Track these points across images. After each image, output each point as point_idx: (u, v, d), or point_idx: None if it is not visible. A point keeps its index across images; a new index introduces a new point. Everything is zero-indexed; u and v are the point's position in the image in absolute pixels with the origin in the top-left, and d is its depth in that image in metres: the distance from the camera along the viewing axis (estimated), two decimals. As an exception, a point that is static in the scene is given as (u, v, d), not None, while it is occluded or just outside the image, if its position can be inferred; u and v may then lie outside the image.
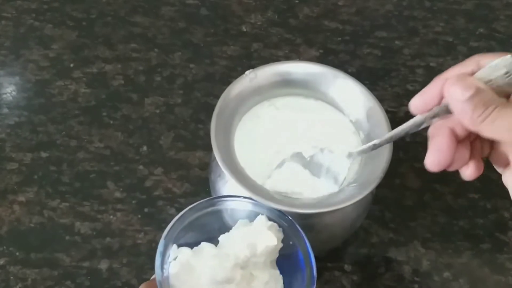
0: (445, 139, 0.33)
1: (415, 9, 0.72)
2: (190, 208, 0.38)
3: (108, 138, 0.59)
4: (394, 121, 0.58)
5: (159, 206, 0.54)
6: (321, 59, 0.65)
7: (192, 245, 0.38)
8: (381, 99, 0.49)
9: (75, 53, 0.65)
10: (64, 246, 0.51)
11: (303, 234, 0.38)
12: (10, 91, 0.62)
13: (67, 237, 0.52)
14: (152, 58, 0.65)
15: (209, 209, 0.39)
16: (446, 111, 0.33)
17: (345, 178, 0.43)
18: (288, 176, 0.44)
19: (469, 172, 0.35)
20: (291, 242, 0.38)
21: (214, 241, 0.38)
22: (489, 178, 0.56)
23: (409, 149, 0.58)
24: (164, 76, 0.64)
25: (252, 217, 0.39)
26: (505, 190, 0.54)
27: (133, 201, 0.54)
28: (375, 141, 0.40)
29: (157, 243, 0.36)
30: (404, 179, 0.56)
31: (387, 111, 0.48)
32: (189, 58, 0.66)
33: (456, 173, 0.57)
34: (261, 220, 0.39)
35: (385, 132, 0.46)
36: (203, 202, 0.39)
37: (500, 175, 0.36)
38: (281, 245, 0.38)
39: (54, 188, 0.55)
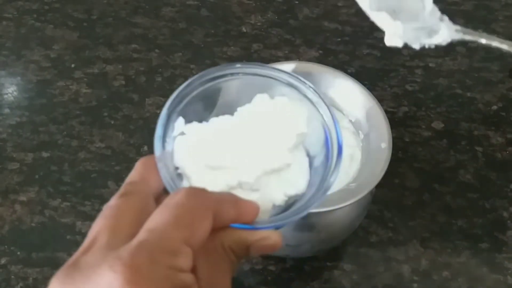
0: None
1: (414, 10, 0.72)
2: (202, 74, 0.32)
3: (109, 138, 0.59)
4: (393, 121, 0.58)
5: (160, 205, 0.54)
6: (321, 60, 0.66)
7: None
8: (380, 99, 0.49)
9: (76, 54, 0.66)
10: (65, 246, 0.51)
11: (328, 106, 0.32)
12: (11, 91, 0.63)
13: (68, 237, 0.52)
14: (153, 59, 0.66)
15: (228, 78, 0.33)
16: None
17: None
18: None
19: None
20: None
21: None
22: (488, 178, 0.57)
23: (408, 149, 0.58)
24: (165, 77, 0.64)
25: (269, 88, 0.33)
26: (504, 190, 0.54)
27: (134, 201, 0.54)
28: None
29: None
30: (403, 178, 0.56)
31: (386, 111, 0.48)
32: (189, 58, 0.66)
33: (455, 173, 0.57)
34: (285, 100, 0.32)
35: (384, 133, 0.46)
36: (221, 67, 0.33)
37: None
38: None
39: (55, 187, 0.55)
